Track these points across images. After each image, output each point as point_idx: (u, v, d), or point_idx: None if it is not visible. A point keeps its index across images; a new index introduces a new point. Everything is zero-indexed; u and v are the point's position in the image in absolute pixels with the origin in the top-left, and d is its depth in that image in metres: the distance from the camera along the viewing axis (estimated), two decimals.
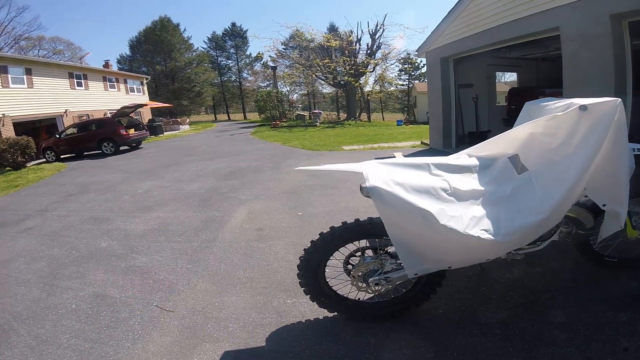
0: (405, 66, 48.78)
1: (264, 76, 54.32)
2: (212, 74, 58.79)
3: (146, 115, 33.89)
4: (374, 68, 36.89)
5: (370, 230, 3.10)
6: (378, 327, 3.20)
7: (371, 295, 3.37)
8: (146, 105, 28.45)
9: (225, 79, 61.84)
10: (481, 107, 14.38)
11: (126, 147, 19.39)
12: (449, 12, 11.17)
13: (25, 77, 21.51)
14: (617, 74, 6.40)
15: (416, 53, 14.77)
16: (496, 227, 2.84)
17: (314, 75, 39.79)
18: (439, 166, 3.15)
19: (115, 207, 7.74)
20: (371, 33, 35.47)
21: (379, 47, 36.40)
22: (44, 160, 18.61)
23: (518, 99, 12.11)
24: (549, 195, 2.90)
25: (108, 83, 30.90)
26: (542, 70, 15.89)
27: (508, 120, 13.02)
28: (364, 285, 3.23)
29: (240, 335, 3.18)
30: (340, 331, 3.20)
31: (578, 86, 7.08)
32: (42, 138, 21.92)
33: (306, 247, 3.18)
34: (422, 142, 15.17)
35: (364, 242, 3.28)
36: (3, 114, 19.21)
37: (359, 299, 3.42)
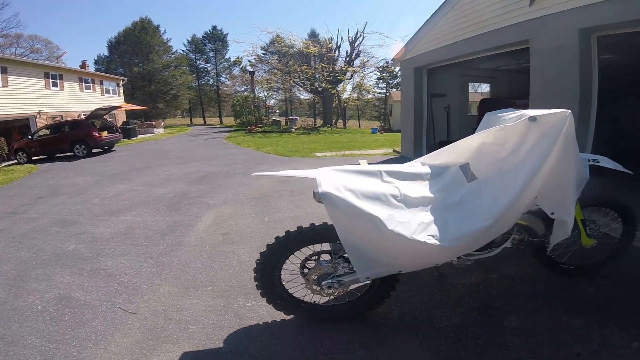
0: (384, 74, 49.08)
1: (242, 81, 53.93)
2: (190, 77, 58.34)
3: (121, 118, 33.39)
4: (352, 75, 37.08)
5: (324, 234, 3.15)
6: (334, 330, 3.27)
7: (326, 298, 3.44)
8: (120, 107, 28.02)
9: (203, 82, 61.42)
10: (453, 117, 14.62)
11: (99, 150, 19.13)
12: (425, 23, 11.28)
13: (0, 75, 21.12)
14: (582, 87, 6.45)
15: (391, 62, 14.86)
16: (443, 233, 2.90)
17: (291, 81, 39.73)
18: (391, 174, 3.21)
19: (84, 210, 7.72)
20: (351, 41, 35.82)
21: (357, 55, 36.73)
22: (15, 161, 18.25)
23: (489, 109, 12.13)
24: (496, 202, 2.95)
25: (84, 84, 30.37)
26: (516, 82, 15.97)
27: None
28: (318, 288, 3.30)
29: (199, 337, 3.25)
30: (297, 333, 3.26)
31: (544, 98, 7.17)
32: (15, 139, 21.49)
33: (262, 251, 3.23)
34: (393, 150, 15.36)
35: (321, 247, 3.33)
36: None
37: (315, 302, 3.46)
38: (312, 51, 34.25)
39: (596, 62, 6.45)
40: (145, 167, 13.38)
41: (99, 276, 4.56)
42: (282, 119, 37.98)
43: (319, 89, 36.33)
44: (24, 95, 22.90)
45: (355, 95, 43.11)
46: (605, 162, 3.77)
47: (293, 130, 31.12)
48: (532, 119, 2.90)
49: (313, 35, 48.35)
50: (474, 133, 3.40)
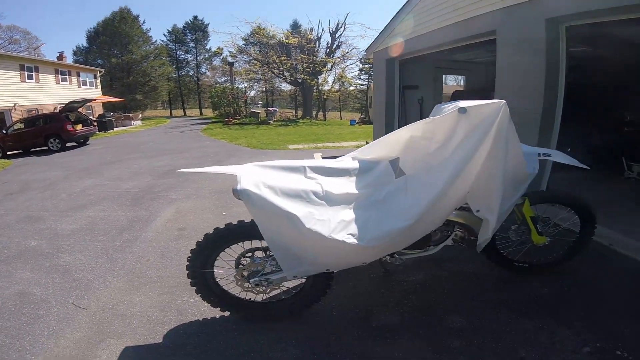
0: (366, 66, 48.84)
1: (222, 72, 53.55)
2: (169, 68, 57.64)
3: (98, 110, 32.86)
4: (332, 67, 36.97)
5: (251, 232, 2.98)
6: (270, 327, 3.29)
7: (260, 295, 3.37)
8: (95, 100, 27.67)
9: (183, 73, 60.68)
10: (426, 109, 14.09)
11: (74, 144, 18.92)
12: (396, 13, 10.93)
13: None
14: (547, 80, 6.04)
15: (364, 53, 14.62)
16: (363, 232, 2.77)
17: (270, 73, 39.49)
18: (316, 169, 3.10)
19: (51, 206, 7.76)
20: (331, 32, 35.83)
21: (338, 47, 36.74)
22: None
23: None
24: (418, 200, 2.81)
25: (60, 76, 29.88)
26: (491, 74, 14.74)
27: None
28: (249, 285, 3.24)
29: (141, 332, 3.34)
30: (233, 330, 3.30)
31: (510, 91, 6.77)
32: None
33: (193, 248, 3.20)
34: (367, 142, 15.27)
35: (261, 243, 3.20)
36: None
37: (251, 299, 3.42)
38: (292, 42, 34.18)
39: (564, 54, 6.06)
40: (116, 160, 13.37)
41: (56, 272, 4.65)
42: (260, 111, 37.60)
43: (299, 80, 36.24)
44: None
45: (336, 87, 42.97)
46: (558, 157, 3.62)
47: (271, 122, 31.09)
48: (462, 110, 2.75)
49: (295, 26, 48.15)
50: None
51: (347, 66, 38.95)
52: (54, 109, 25.20)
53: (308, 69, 34.71)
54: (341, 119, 44.68)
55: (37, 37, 51.88)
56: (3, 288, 4.33)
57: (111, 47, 51.83)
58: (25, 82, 25.50)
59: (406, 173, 3.10)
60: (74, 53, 52.62)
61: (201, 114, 56.15)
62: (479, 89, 14.97)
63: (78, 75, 33.17)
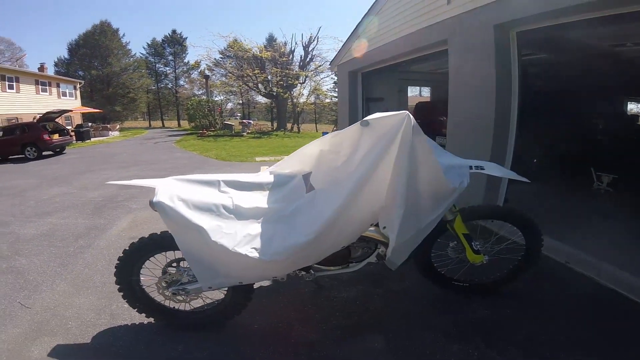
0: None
1: (200, 84, 53.24)
2: (148, 80, 57.00)
3: (77, 120, 32.51)
4: (305, 80, 36.81)
5: (172, 242, 2.91)
6: (191, 336, 3.29)
7: (184, 305, 3.37)
8: (72, 110, 27.33)
9: (162, 85, 60.02)
10: None
11: (50, 152, 18.65)
12: (356, 25, 10.83)
13: None
14: (499, 86, 5.77)
15: (329, 67, 14.28)
16: (266, 246, 2.72)
17: (245, 86, 39.37)
18: (230, 183, 3.06)
19: (18, 212, 7.78)
20: (304, 45, 35.67)
21: (312, 60, 36.48)
22: None
23: (424, 112, 11.22)
24: (319, 216, 2.71)
25: (40, 87, 29.60)
26: None
27: None
28: (169, 294, 3.24)
29: (74, 332, 3.42)
30: (156, 336, 3.32)
31: (460, 101, 6.69)
32: None
33: (120, 256, 3.19)
34: None
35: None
36: None
37: (174, 307, 3.40)
38: (266, 56, 34.05)
39: (516, 61, 5.79)
40: (88, 170, 13.30)
41: (11, 273, 4.73)
42: (234, 123, 37.45)
43: (273, 93, 36.15)
44: None
45: (312, 99, 42.94)
46: (492, 170, 3.30)
47: (245, 134, 30.96)
48: (364, 123, 2.65)
49: (271, 40, 47.80)
50: None
51: (321, 79, 38.87)
52: (34, 118, 24.76)
53: (281, 82, 34.71)
54: (317, 131, 44.71)
55: (21, 47, 51.25)
56: None
57: (92, 59, 51.14)
58: (5, 91, 25.32)
59: (316, 188, 3.00)
60: (56, 64, 51.68)
61: (179, 125, 55.58)
62: (444, 99, 14.90)
63: (58, 86, 32.82)
